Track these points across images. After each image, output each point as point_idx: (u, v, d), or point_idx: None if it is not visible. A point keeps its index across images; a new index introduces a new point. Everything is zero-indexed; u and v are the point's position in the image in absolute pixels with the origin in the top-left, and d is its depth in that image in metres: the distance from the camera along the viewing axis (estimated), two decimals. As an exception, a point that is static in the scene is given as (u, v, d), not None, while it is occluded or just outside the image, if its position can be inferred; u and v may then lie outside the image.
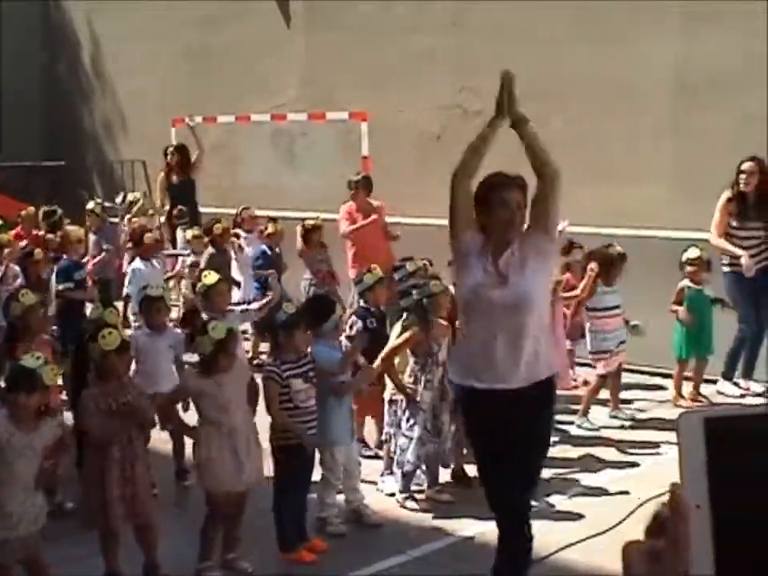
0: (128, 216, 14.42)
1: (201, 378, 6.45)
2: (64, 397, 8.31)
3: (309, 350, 6.95)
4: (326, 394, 7.05)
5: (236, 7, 15.25)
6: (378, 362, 7.73)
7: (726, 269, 10.09)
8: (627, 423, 9.50)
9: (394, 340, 7.80)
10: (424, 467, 7.80)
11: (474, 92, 12.66)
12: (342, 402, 7.20)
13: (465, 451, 7.93)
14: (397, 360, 7.78)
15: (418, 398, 7.62)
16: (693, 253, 9.75)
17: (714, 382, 10.31)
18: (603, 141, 11.46)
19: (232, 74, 15.39)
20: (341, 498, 7.35)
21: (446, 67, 12.90)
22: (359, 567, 6.66)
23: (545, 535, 6.97)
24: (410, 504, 7.61)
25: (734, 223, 9.95)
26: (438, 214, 11.97)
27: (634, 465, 8.41)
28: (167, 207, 14.27)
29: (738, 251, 9.90)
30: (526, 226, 5.59)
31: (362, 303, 8.80)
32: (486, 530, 7.02)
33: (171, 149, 14.38)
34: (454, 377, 5.83)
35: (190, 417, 6.94)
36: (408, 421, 7.64)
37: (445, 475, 8.06)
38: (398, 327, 7.93)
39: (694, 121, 10.89)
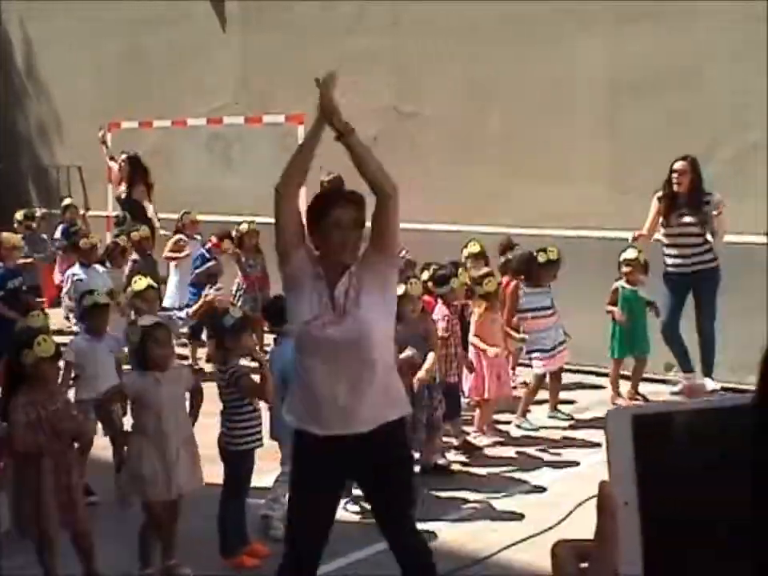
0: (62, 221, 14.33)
1: (139, 377, 6.40)
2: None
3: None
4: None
5: (172, 10, 15.15)
6: None
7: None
8: (566, 423, 9.57)
9: None
10: None
11: (410, 93, 12.70)
12: None
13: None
14: None
15: None
16: (630, 254, 9.84)
17: (654, 381, 10.41)
18: (539, 141, 11.53)
19: (168, 78, 15.30)
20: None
21: (382, 69, 12.92)
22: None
23: (485, 535, 7.02)
24: (351, 507, 7.61)
25: (668, 222, 10.00)
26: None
27: (573, 464, 8.47)
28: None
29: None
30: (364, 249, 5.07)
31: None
32: (434, 530, 7.05)
33: (123, 156, 14.17)
34: (291, 419, 5.15)
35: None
36: None
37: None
38: None
39: (627, 120, 10.99)
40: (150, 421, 6.25)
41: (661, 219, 10.00)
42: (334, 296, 4.88)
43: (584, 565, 0.97)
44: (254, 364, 6.84)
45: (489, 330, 9.12)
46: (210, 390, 6.90)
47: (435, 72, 12.42)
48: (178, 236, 12.45)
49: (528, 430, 9.41)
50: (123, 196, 13.96)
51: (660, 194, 9.99)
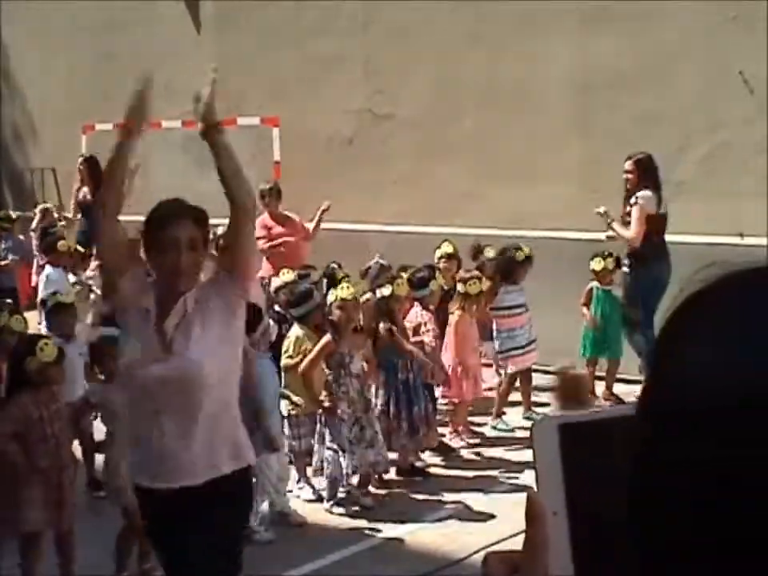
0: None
1: (103, 386, 6.38)
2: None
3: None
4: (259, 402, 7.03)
5: (146, 11, 15.12)
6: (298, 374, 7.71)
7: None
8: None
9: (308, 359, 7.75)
10: (350, 475, 7.77)
11: (383, 95, 12.72)
12: (271, 409, 7.19)
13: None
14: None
15: (339, 411, 7.61)
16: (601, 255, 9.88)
17: (629, 381, 10.42)
18: (510, 141, 11.57)
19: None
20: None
21: (357, 70, 12.94)
22: (282, 570, 6.67)
23: (461, 536, 7.04)
24: (337, 510, 7.63)
25: (622, 220, 9.96)
26: (350, 218, 12.08)
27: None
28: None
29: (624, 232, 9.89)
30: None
31: (276, 307, 8.77)
32: (410, 531, 7.08)
33: (81, 159, 14.20)
34: (131, 471, 4.71)
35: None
36: (330, 433, 7.63)
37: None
38: (293, 339, 7.96)
39: (598, 120, 11.04)
40: (120, 429, 6.23)
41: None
42: (162, 329, 4.25)
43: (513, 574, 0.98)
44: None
45: (466, 331, 9.14)
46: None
47: (407, 73, 12.44)
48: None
49: (503, 431, 9.44)
50: (86, 198, 13.89)
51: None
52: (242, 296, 4.44)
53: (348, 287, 7.80)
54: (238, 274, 4.37)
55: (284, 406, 7.86)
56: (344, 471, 7.60)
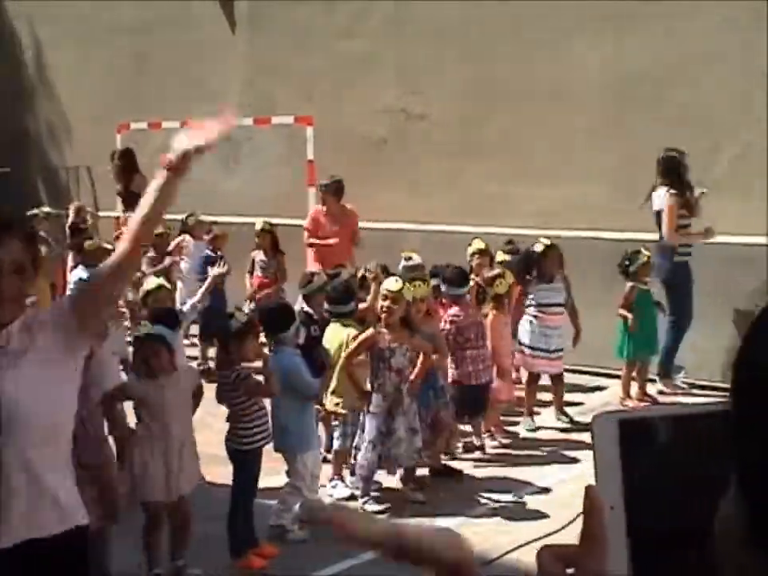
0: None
1: (144, 380, 6.42)
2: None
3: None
4: (293, 401, 7.06)
5: (181, 11, 15.18)
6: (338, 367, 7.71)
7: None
8: (572, 425, 9.50)
9: (352, 343, 7.76)
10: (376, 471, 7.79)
11: (416, 95, 12.72)
12: (306, 407, 7.24)
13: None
14: None
15: (372, 405, 7.63)
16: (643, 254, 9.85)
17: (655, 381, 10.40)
18: (543, 141, 11.56)
19: (177, 79, 15.31)
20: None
21: (390, 70, 12.95)
22: (313, 570, 6.68)
23: (493, 536, 7.03)
24: (371, 506, 7.62)
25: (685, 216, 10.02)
26: (383, 217, 12.10)
27: (580, 466, 8.45)
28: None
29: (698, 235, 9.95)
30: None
31: (305, 308, 8.73)
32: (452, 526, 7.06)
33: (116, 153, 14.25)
34: None
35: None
36: (364, 428, 7.66)
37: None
38: (336, 333, 7.97)
39: (631, 120, 11.02)
40: (153, 424, 6.28)
41: None
42: None
43: (570, 570, 0.99)
44: (257, 364, 6.91)
45: (501, 331, 9.14)
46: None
47: (440, 73, 12.44)
48: (181, 237, 12.38)
49: (535, 431, 9.42)
50: (122, 190, 14.00)
51: (672, 190, 10.02)
52: (86, 332, 3.72)
53: (397, 280, 7.77)
54: (89, 311, 3.70)
55: (329, 404, 7.89)
56: (371, 466, 7.63)
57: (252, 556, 6.77)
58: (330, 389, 7.94)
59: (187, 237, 12.43)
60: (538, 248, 9.48)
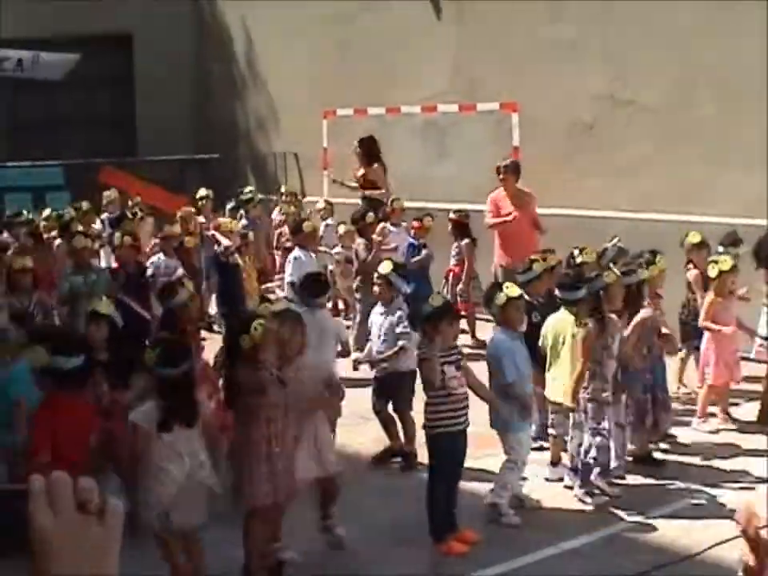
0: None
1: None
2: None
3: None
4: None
5: (385, -1, 15.36)
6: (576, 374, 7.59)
7: None
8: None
9: (580, 344, 7.60)
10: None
11: (623, 81, 12.52)
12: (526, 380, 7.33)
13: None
14: None
15: (604, 394, 7.57)
16: None
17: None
18: (750, 129, 11.19)
19: (382, 65, 15.47)
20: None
21: (596, 56, 12.77)
22: (509, 559, 6.65)
23: (697, 530, 6.89)
24: (588, 499, 7.51)
25: None
26: (589, 204, 11.97)
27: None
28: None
29: None
30: None
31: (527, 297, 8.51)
32: (643, 523, 6.98)
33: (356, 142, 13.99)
34: None
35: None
36: (594, 418, 7.54)
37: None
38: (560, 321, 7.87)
39: None
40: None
41: None
42: None
43: None
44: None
45: (717, 314, 8.99)
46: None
47: (646, 59, 12.21)
48: (383, 224, 12.34)
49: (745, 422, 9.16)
50: (360, 177, 13.83)
51: None
52: None
53: (611, 274, 7.80)
54: None
55: (552, 394, 7.87)
56: (604, 456, 7.56)
57: (453, 542, 6.76)
58: (553, 376, 7.85)
59: (387, 224, 12.38)
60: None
